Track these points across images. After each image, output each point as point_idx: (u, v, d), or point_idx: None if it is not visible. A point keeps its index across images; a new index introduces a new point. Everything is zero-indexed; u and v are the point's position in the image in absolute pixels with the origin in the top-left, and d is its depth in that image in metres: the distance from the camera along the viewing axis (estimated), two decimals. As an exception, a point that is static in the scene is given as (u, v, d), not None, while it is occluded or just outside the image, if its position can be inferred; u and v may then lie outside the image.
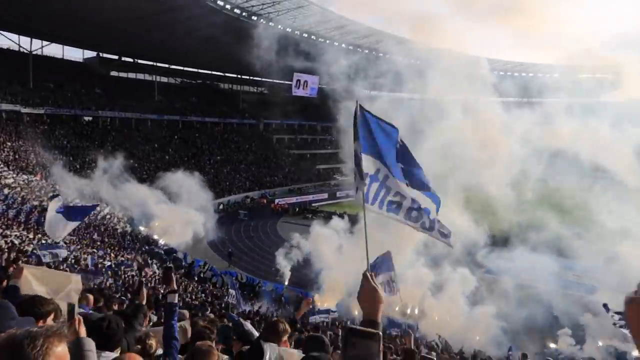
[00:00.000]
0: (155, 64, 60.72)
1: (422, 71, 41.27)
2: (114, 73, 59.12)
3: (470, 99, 33.91)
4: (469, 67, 36.94)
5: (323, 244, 26.39)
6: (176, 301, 4.12)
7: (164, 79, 63.62)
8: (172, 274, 4.32)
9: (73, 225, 12.77)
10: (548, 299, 23.24)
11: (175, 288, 4.23)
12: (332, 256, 25.17)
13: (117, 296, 12.41)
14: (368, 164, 4.25)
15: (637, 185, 28.88)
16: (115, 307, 7.03)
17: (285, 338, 3.58)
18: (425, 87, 37.38)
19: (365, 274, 2.04)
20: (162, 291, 14.03)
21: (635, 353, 18.81)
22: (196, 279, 25.05)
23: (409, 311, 22.20)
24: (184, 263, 27.21)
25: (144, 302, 4.43)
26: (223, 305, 17.13)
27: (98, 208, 30.39)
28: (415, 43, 50.87)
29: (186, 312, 6.59)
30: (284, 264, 27.27)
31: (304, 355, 3.09)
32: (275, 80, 65.99)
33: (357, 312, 22.75)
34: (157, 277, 20.78)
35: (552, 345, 20.87)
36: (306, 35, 57.12)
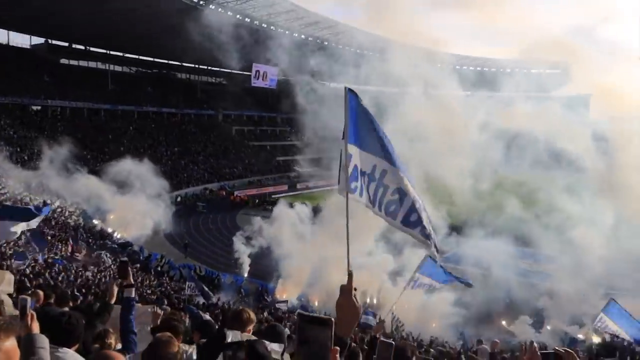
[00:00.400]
0: (108, 52, 58.73)
1: (380, 63, 41.65)
2: (64, 61, 56.76)
3: (428, 90, 34.52)
4: (427, 59, 37.56)
5: (285, 227, 26.26)
6: (133, 295, 4.04)
7: (118, 68, 61.65)
8: (128, 267, 4.21)
9: (21, 226, 12.23)
10: (505, 286, 23.78)
11: (132, 282, 4.13)
12: (294, 243, 25.10)
13: (70, 292, 12.00)
14: (364, 160, 3.85)
15: (592, 166, 30.15)
16: (71, 304, 6.77)
17: (250, 327, 3.55)
18: (384, 79, 37.81)
19: (348, 282, 1.89)
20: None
21: (580, 336, 19.77)
22: (153, 272, 24.53)
23: (368, 300, 22.40)
24: (141, 257, 26.58)
25: (113, 300, 4.29)
26: (182, 298, 16.87)
27: (48, 201, 29.31)
28: (374, 35, 51.33)
29: (139, 306, 6.43)
30: (243, 250, 27.00)
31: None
32: (234, 71, 65.10)
33: (316, 302, 22.85)
34: (112, 272, 20.25)
35: (503, 323, 21.44)
36: (265, 25, 56.58)
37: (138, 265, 24.43)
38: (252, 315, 3.63)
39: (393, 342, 3.19)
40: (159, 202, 31.50)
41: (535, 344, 2.49)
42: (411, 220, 3.89)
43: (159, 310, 4.62)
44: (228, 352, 2.45)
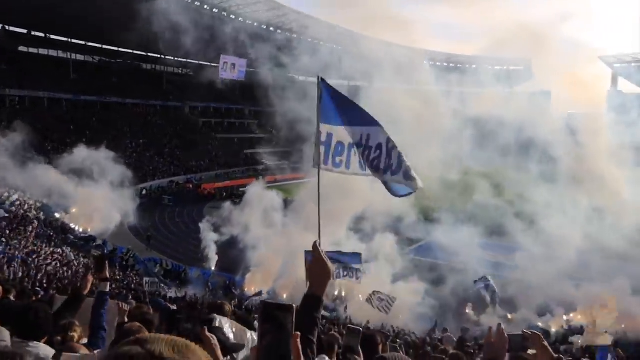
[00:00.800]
0: (69, 40, 56.90)
1: (350, 56, 41.69)
2: (22, 48, 54.69)
3: (397, 83, 34.84)
4: (397, 53, 37.86)
5: (255, 213, 26.01)
6: (108, 290, 3.98)
7: (80, 57, 59.87)
8: (106, 261, 4.16)
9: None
10: (475, 278, 23.98)
11: (108, 276, 4.08)
12: (264, 232, 24.87)
13: (30, 287, 11.69)
14: (355, 133, 4.41)
15: (563, 156, 30.85)
16: (34, 299, 6.60)
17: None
18: (354, 72, 37.92)
19: (315, 245, 2.04)
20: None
21: (539, 324, 20.42)
22: (117, 266, 24.06)
23: (336, 292, 22.49)
24: (105, 251, 26.02)
25: (86, 292, 4.19)
26: (147, 292, 16.63)
27: (6, 194, 28.38)
28: (344, 28, 51.40)
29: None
30: (211, 237, 26.67)
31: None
32: (201, 62, 64.12)
33: (285, 295, 22.80)
34: (75, 267, 19.80)
35: (469, 313, 21.84)
36: (233, 17, 55.93)
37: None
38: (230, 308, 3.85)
39: (361, 329, 3.25)
40: (123, 195, 30.83)
41: (502, 326, 2.53)
42: (384, 167, 4.49)
43: (125, 306, 4.53)
44: (187, 325, 2.49)
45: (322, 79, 4.29)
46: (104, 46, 60.91)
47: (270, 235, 24.62)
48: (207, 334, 1.90)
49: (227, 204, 28.80)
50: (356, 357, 3.06)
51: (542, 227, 26.38)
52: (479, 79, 54.96)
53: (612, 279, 21.88)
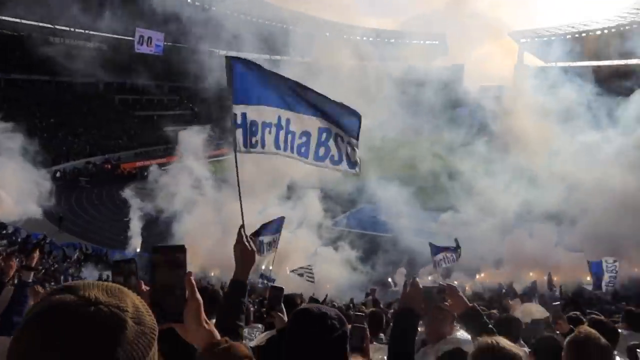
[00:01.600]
0: (-37, 10, 51.75)
1: (270, 29, 41.25)
2: None
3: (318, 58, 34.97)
4: (316, 28, 37.91)
5: (183, 178, 25.31)
6: (30, 280, 3.78)
7: (-23, 30, 54.68)
8: (37, 250, 3.97)
9: None
10: (407, 247, 24.33)
11: (33, 265, 3.87)
12: (192, 203, 24.25)
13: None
14: (267, 113, 4.30)
15: (489, 120, 31.91)
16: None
17: None
18: (276, 46, 37.52)
19: (239, 231, 2.18)
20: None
21: (456, 282, 21.70)
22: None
23: (263, 267, 22.54)
24: (18, 238, 24.57)
25: (7, 279, 4.00)
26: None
27: None
28: (264, 2, 50.59)
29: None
30: (137, 205, 25.78)
31: None
32: (115, 36, 60.63)
33: (213, 273, 22.53)
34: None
35: (391, 280, 22.65)
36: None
37: (16, 247, 22.61)
38: None
39: (283, 287, 3.52)
40: (35, 179, 28.97)
41: (417, 279, 2.62)
42: (320, 155, 4.56)
43: (39, 288, 4.45)
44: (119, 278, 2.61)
45: (232, 57, 4.13)
46: (6, 18, 55.79)
47: (199, 210, 23.97)
48: (145, 287, 2.04)
49: (154, 168, 27.84)
50: (279, 313, 3.33)
51: (473, 191, 27.15)
52: (398, 53, 56.33)
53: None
